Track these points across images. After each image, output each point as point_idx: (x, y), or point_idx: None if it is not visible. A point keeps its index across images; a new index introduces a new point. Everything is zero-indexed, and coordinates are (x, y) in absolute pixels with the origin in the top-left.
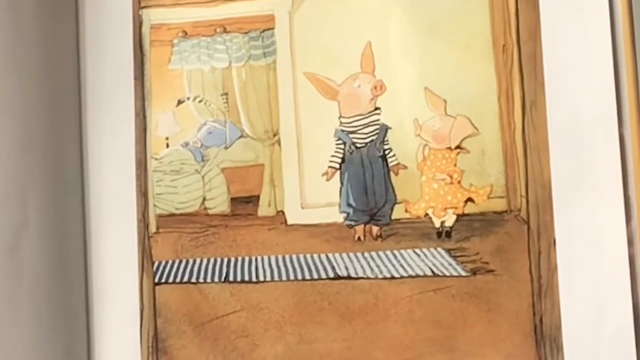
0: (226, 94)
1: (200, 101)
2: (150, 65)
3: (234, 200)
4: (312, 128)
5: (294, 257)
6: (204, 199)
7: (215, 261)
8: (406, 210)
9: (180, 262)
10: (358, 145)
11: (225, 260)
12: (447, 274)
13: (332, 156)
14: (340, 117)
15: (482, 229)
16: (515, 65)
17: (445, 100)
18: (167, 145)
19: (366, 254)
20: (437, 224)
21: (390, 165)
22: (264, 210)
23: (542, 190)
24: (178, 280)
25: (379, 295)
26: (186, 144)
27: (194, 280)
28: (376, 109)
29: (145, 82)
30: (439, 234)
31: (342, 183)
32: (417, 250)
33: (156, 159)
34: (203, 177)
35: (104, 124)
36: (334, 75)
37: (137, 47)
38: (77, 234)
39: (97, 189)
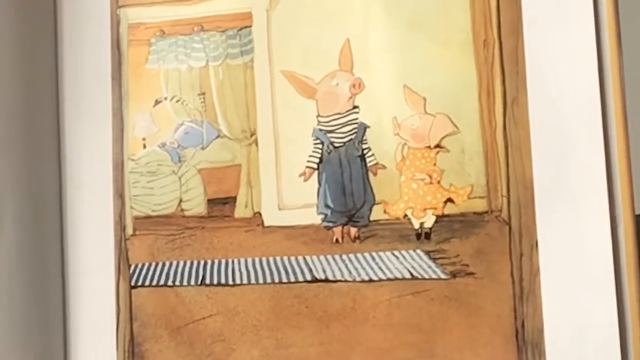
0: (203, 93)
1: (177, 101)
2: (128, 65)
3: (210, 202)
4: (289, 128)
5: (271, 259)
6: (181, 201)
7: (192, 264)
8: (385, 211)
9: (157, 264)
10: (336, 145)
11: (202, 262)
12: (427, 276)
13: (310, 156)
14: (319, 116)
15: (462, 230)
16: (496, 61)
17: (424, 98)
18: (144, 146)
19: (344, 256)
20: (417, 225)
21: (368, 165)
22: (240, 211)
23: (524, 190)
24: (154, 283)
25: (357, 299)
26: (163, 145)
27: (170, 283)
28: (354, 107)
29: (122, 82)
30: (418, 236)
31: (319, 184)
32: (396, 252)
33: (133, 160)
34: (180, 178)
35: (81, 125)
36: (312, 73)
37: (115, 47)
38: (54, 236)
39: (74, 190)
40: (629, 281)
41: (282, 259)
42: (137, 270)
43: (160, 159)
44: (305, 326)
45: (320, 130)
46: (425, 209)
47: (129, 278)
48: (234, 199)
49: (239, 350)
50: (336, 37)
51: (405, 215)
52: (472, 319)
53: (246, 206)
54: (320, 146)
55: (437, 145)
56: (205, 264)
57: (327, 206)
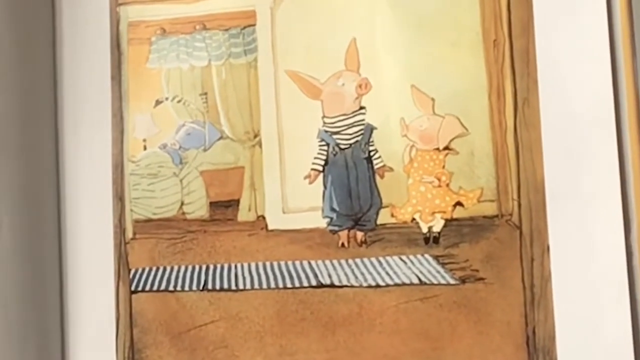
0: (205, 93)
1: (178, 101)
2: (128, 64)
3: (213, 205)
4: (294, 129)
5: (275, 264)
6: (182, 204)
7: (194, 268)
8: (392, 215)
9: (158, 269)
10: (342, 147)
11: (204, 267)
12: (435, 282)
13: (315, 158)
14: (324, 117)
15: (471, 235)
16: (506, 61)
17: (433, 99)
18: (145, 148)
19: (350, 261)
20: (425, 229)
21: (375, 167)
22: (244, 215)
23: (535, 194)
24: (155, 288)
25: (363, 305)
26: (164, 146)
27: (171, 288)
28: (361, 108)
29: (122, 81)
30: (427, 240)
31: (325, 186)
32: (404, 257)
33: (133, 162)
34: (181, 181)
35: (80, 126)
36: (317, 73)
37: (115, 46)
38: (52, 239)
39: (73, 192)
40: None
41: (286, 264)
42: (137, 275)
43: (161, 161)
44: (310, 332)
45: (326, 131)
46: (433, 213)
47: (129, 283)
48: (237, 201)
49: (242, 357)
50: (342, 36)
51: (413, 219)
52: (481, 326)
53: (249, 209)
54: (325, 148)
55: (446, 147)
56: (208, 268)
57: (332, 209)
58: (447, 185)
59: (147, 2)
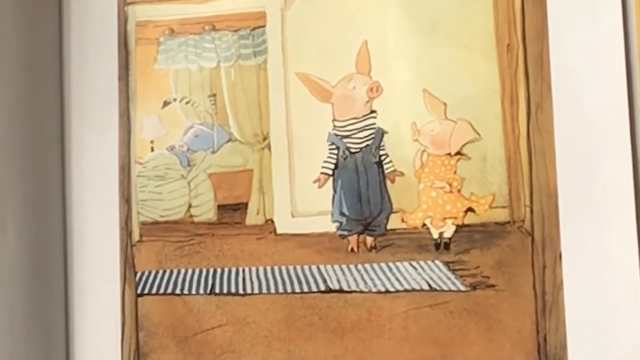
0: (214, 95)
1: (187, 102)
2: (136, 64)
3: (220, 208)
4: (304, 132)
5: (284, 268)
6: (190, 206)
7: (201, 272)
8: (402, 220)
9: (164, 272)
10: (352, 151)
11: (211, 271)
12: (445, 288)
13: (325, 162)
14: (334, 120)
15: (483, 241)
16: (520, 66)
17: (445, 103)
18: (152, 149)
19: (360, 266)
20: (435, 235)
21: (386, 171)
22: (252, 218)
23: (548, 200)
24: (161, 291)
25: (372, 310)
26: (172, 148)
27: (178, 291)
28: (372, 112)
29: (130, 82)
30: (437, 246)
31: (335, 190)
32: (414, 263)
33: (140, 164)
34: (189, 183)
35: (86, 127)
36: (327, 76)
37: (122, 46)
38: (57, 242)
39: (79, 194)
40: None
41: (294, 268)
42: (144, 278)
43: (168, 163)
44: (318, 338)
45: (336, 135)
46: (444, 219)
47: (135, 286)
48: (245, 205)
49: None
50: (353, 38)
51: (424, 225)
52: (492, 333)
53: (258, 213)
54: (335, 151)
55: (458, 153)
56: (215, 272)
57: (342, 214)
58: (459, 190)
59: (155, 1)
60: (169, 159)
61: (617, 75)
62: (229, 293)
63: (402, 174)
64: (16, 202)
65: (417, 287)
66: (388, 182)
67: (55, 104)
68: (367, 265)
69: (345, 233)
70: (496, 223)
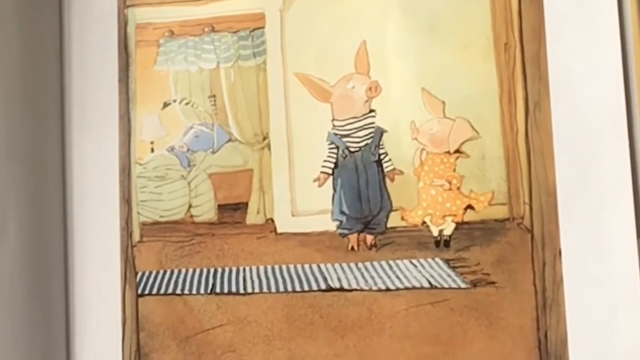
0: (214, 96)
1: (187, 103)
2: (136, 66)
3: (221, 208)
4: (303, 132)
5: (284, 267)
6: (190, 206)
7: (201, 272)
8: (402, 218)
9: (165, 272)
10: (352, 150)
11: (212, 270)
12: (446, 285)
13: (325, 161)
14: (334, 120)
15: (482, 238)
16: (518, 65)
17: (443, 102)
18: (152, 150)
19: (360, 265)
20: (435, 233)
21: (385, 170)
22: (252, 218)
23: (547, 197)
24: (162, 291)
25: (373, 308)
26: (172, 149)
27: (178, 291)
28: (371, 111)
29: (130, 83)
30: (437, 243)
31: (335, 189)
32: (414, 261)
33: (140, 164)
34: (189, 183)
35: (87, 128)
36: (326, 76)
37: (122, 48)
38: (58, 243)
39: (80, 195)
40: None
41: (295, 267)
42: (144, 278)
43: (168, 163)
44: (319, 337)
45: (336, 134)
46: (444, 216)
47: (136, 286)
48: (246, 204)
49: None
50: (352, 38)
51: (424, 223)
52: (493, 330)
53: (258, 212)
54: (335, 151)
55: (457, 151)
56: (216, 271)
57: (342, 212)
58: (458, 188)
59: (155, 4)
60: (169, 159)
61: (613, 73)
62: (229, 293)
63: (401, 172)
64: (17, 203)
65: (418, 285)
66: (388, 181)
67: (56, 106)
68: (368, 264)
69: (346, 232)
70: (496, 220)
